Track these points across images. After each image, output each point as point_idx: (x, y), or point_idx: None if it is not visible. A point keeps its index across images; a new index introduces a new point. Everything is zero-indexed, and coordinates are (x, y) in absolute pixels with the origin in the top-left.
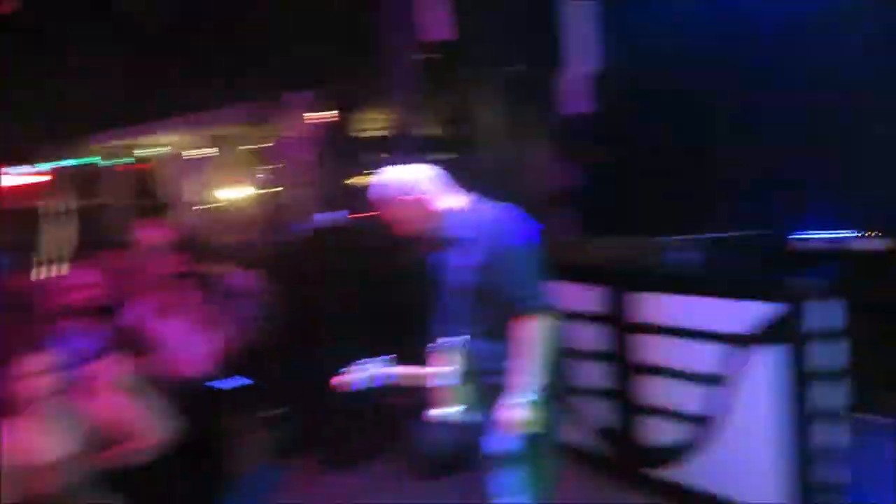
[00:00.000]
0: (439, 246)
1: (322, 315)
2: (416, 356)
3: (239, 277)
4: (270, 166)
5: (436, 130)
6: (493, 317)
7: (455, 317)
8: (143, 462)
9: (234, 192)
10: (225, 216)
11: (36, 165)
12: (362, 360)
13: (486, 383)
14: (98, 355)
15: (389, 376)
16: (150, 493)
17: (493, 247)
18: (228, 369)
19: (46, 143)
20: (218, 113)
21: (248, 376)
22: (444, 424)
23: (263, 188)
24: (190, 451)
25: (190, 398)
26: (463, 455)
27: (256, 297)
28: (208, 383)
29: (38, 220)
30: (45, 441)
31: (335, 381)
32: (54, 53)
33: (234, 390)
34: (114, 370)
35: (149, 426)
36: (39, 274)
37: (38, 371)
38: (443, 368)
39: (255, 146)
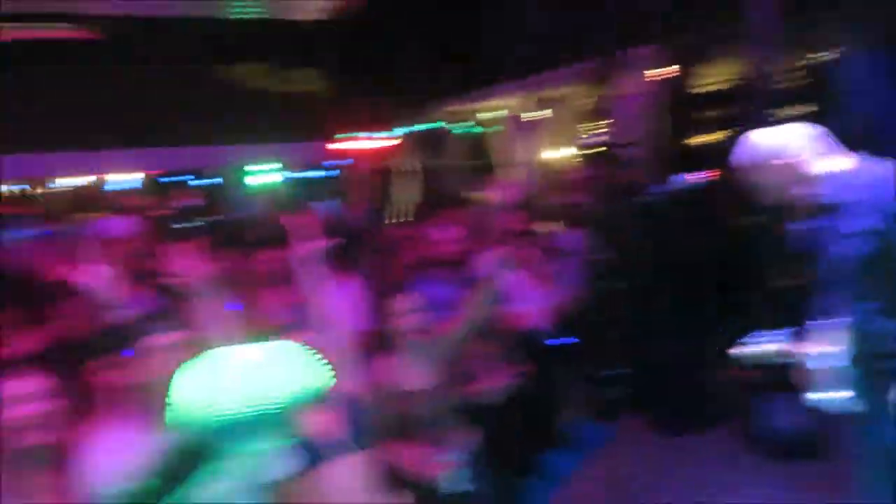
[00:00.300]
0: (813, 213)
1: (661, 280)
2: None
3: (569, 237)
4: (604, 126)
5: (798, 82)
6: (892, 290)
7: (840, 291)
8: (491, 402)
9: (566, 153)
10: (556, 176)
11: (391, 130)
12: (760, 333)
13: (883, 367)
14: (453, 303)
15: (786, 352)
16: (495, 432)
17: (892, 209)
18: (561, 326)
19: (400, 110)
20: (553, 74)
21: (579, 334)
22: (807, 408)
23: (596, 148)
24: (525, 401)
25: (527, 350)
26: (818, 442)
27: (586, 258)
28: (544, 338)
29: (392, 178)
30: (411, 372)
31: (732, 351)
32: (400, 34)
33: (567, 346)
34: (464, 317)
35: (495, 369)
36: (394, 227)
37: (406, 310)
38: (825, 348)
39: (589, 106)
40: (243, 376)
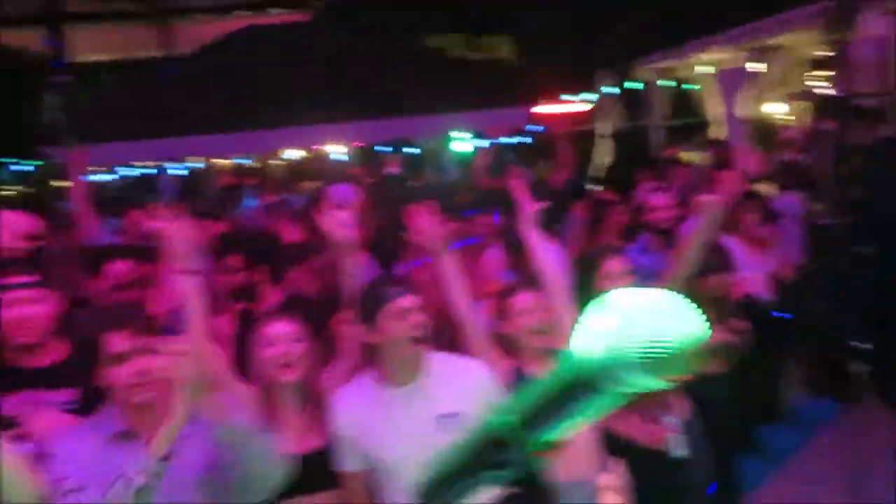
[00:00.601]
0: None
1: None
2: None
3: (790, 199)
4: (835, 75)
5: None
6: None
7: None
8: (708, 371)
9: (786, 107)
10: (775, 134)
11: (593, 92)
12: None
13: None
14: (660, 269)
15: None
16: (712, 401)
17: None
18: (783, 294)
19: (602, 69)
20: (773, 20)
21: (806, 303)
22: None
23: (825, 100)
24: (743, 371)
25: (745, 319)
26: None
27: (811, 221)
28: (763, 306)
29: (595, 141)
30: None
31: None
32: None
33: (789, 316)
34: (670, 281)
35: (717, 335)
36: (600, 191)
37: (612, 275)
38: None
39: (816, 53)
40: (636, 318)
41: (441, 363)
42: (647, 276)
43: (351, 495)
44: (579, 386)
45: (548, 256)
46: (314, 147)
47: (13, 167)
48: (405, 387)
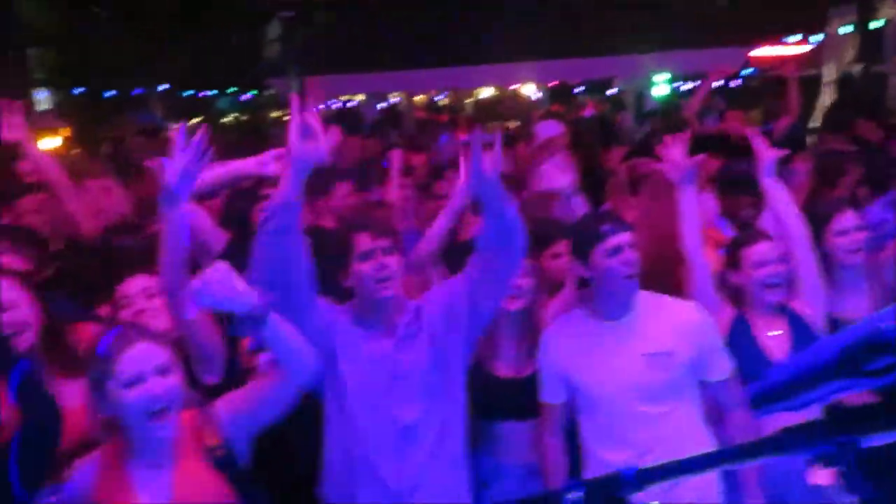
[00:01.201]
0: None
1: None
2: None
3: None
4: None
5: None
6: None
7: None
8: None
9: None
10: None
11: (824, 31)
12: None
13: None
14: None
15: None
16: None
17: None
18: None
19: (836, 5)
20: None
21: None
22: None
23: None
24: None
25: None
26: None
27: None
28: None
29: (824, 86)
30: (847, 297)
31: None
32: None
33: None
34: None
35: None
36: (832, 140)
37: (846, 230)
38: None
39: None
40: None
41: (653, 302)
42: (885, 233)
43: (548, 425)
44: None
45: (789, 207)
46: (510, 86)
47: (235, 97)
48: (616, 322)
